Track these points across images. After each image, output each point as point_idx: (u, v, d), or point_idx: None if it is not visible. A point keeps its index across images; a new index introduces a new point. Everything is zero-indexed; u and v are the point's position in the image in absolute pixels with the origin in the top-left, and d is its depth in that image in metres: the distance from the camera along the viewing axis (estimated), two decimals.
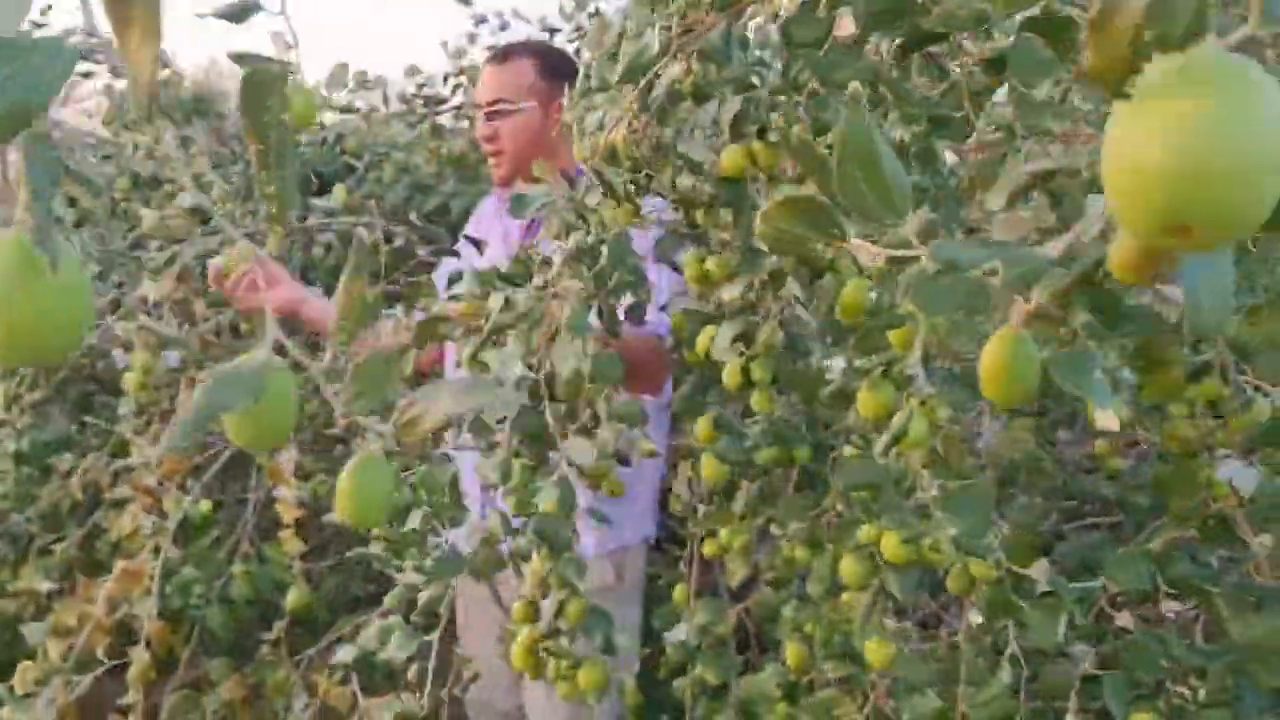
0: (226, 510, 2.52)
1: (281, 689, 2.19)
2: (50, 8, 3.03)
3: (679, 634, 1.99)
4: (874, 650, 1.36)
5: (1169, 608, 1.42)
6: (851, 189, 0.44)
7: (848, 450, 1.51)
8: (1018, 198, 1.25)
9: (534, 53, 2.29)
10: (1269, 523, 1.21)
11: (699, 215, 1.51)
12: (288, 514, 2.20)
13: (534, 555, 1.54)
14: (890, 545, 1.27)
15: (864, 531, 1.31)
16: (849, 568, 1.35)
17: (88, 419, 2.47)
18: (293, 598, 2.22)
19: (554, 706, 2.12)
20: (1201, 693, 1.28)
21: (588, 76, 1.46)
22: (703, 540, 2.00)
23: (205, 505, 2.21)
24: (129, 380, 2.27)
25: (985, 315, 0.64)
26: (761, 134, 1.35)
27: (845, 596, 1.64)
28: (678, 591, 2.11)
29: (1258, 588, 1.29)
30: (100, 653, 1.96)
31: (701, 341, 1.60)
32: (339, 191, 3.12)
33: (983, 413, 1.60)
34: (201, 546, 2.36)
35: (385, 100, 3.55)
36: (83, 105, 3.73)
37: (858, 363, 1.38)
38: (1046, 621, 1.28)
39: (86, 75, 3.36)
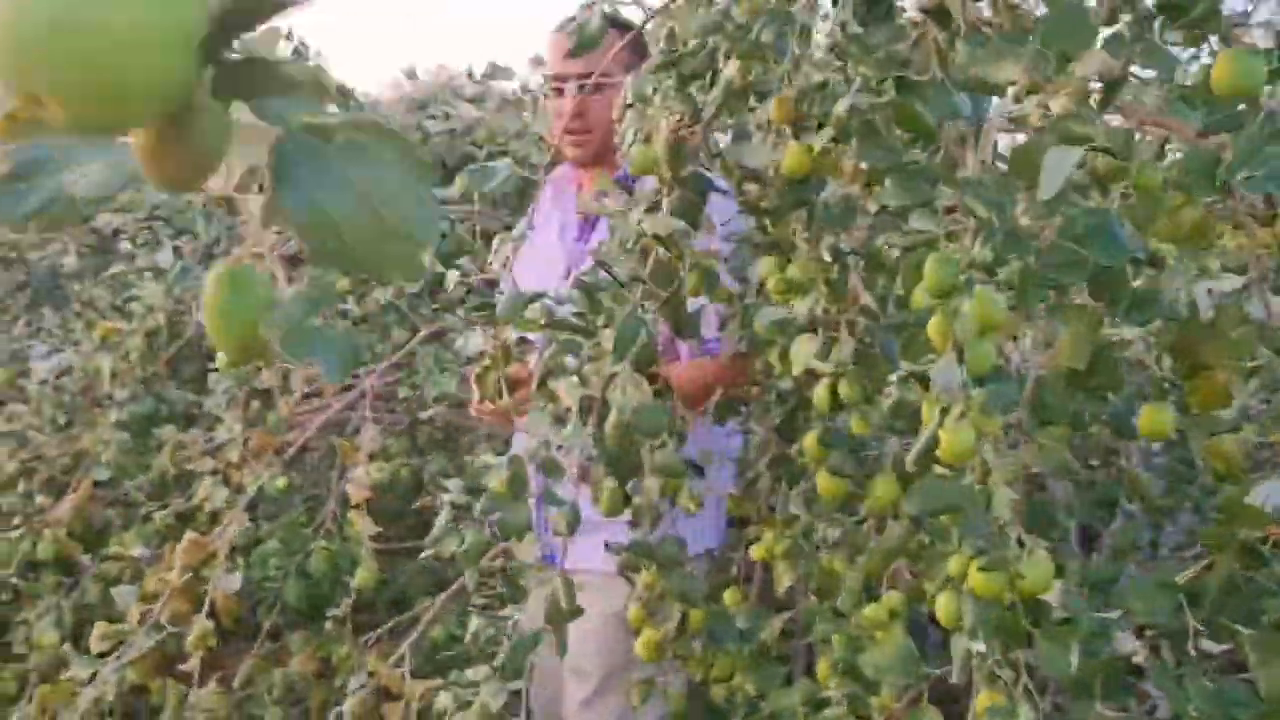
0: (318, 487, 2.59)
1: (345, 665, 2.23)
2: None
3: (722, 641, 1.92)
4: None
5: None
6: None
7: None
8: None
9: (619, 26, 1.99)
10: None
11: (768, 222, 1.45)
12: (356, 494, 2.24)
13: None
14: (979, 579, 1.12)
15: (953, 564, 1.18)
16: (943, 606, 1.22)
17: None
18: (361, 576, 2.25)
19: (601, 706, 2.07)
20: None
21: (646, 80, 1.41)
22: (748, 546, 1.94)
23: (282, 481, 2.27)
24: (221, 358, 2.35)
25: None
26: (821, 129, 1.26)
27: (867, 612, 1.54)
28: (728, 595, 2.04)
29: None
30: (165, 620, 2.03)
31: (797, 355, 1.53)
32: (459, 181, 3.17)
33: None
34: (286, 521, 2.43)
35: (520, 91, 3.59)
36: None
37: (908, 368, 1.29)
38: (1056, 653, 1.15)
39: None
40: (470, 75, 3.38)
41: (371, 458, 2.34)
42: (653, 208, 1.46)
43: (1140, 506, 1.99)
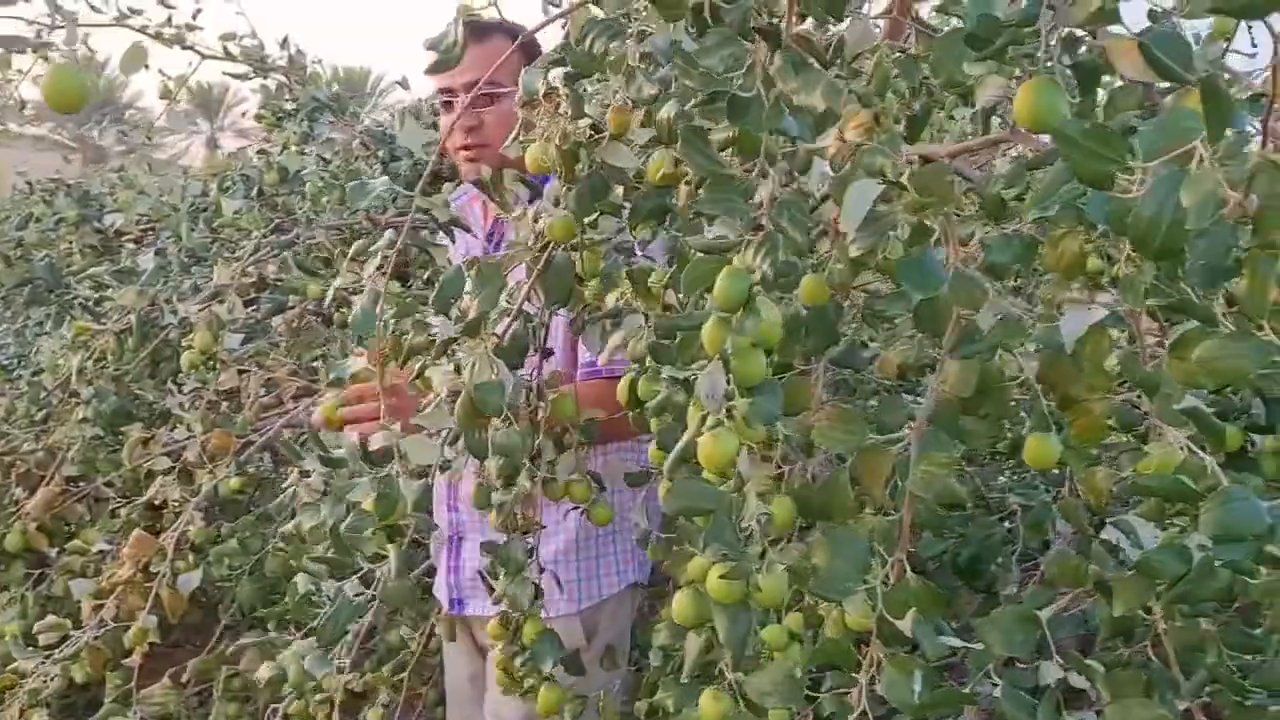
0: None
1: None
2: (200, 11, 3.20)
3: (651, 657, 1.93)
4: (708, 704, 1.26)
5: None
6: None
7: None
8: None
9: (510, 32, 1.95)
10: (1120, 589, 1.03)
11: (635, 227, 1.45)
12: (309, 495, 2.26)
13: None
14: (713, 581, 1.15)
15: (693, 565, 1.20)
16: (680, 605, 1.24)
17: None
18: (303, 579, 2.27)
19: None
20: None
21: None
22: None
23: (235, 481, 2.30)
24: (184, 358, 2.39)
25: None
26: None
27: (766, 633, 1.54)
28: (664, 611, 2.04)
29: (1152, 669, 1.11)
30: (113, 615, 2.06)
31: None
32: (446, 189, 3.20)
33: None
34: (245, 521, 2.46)
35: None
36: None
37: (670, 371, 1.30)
38: (898, 680, 1.15)
39: (240, 76, 3.58)
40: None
41: None
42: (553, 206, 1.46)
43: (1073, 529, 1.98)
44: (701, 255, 1.01)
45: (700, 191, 1.00)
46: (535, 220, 1.40)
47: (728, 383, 1.02)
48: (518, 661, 1.49)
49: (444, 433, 1.37)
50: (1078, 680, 1.19)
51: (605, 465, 1.96)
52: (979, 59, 0.86)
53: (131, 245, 3.56)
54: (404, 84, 3.69)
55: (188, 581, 2.21)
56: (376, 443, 1.35)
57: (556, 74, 1.29)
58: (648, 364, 1.36)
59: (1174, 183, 0.66)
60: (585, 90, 1.35)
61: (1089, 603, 1.31)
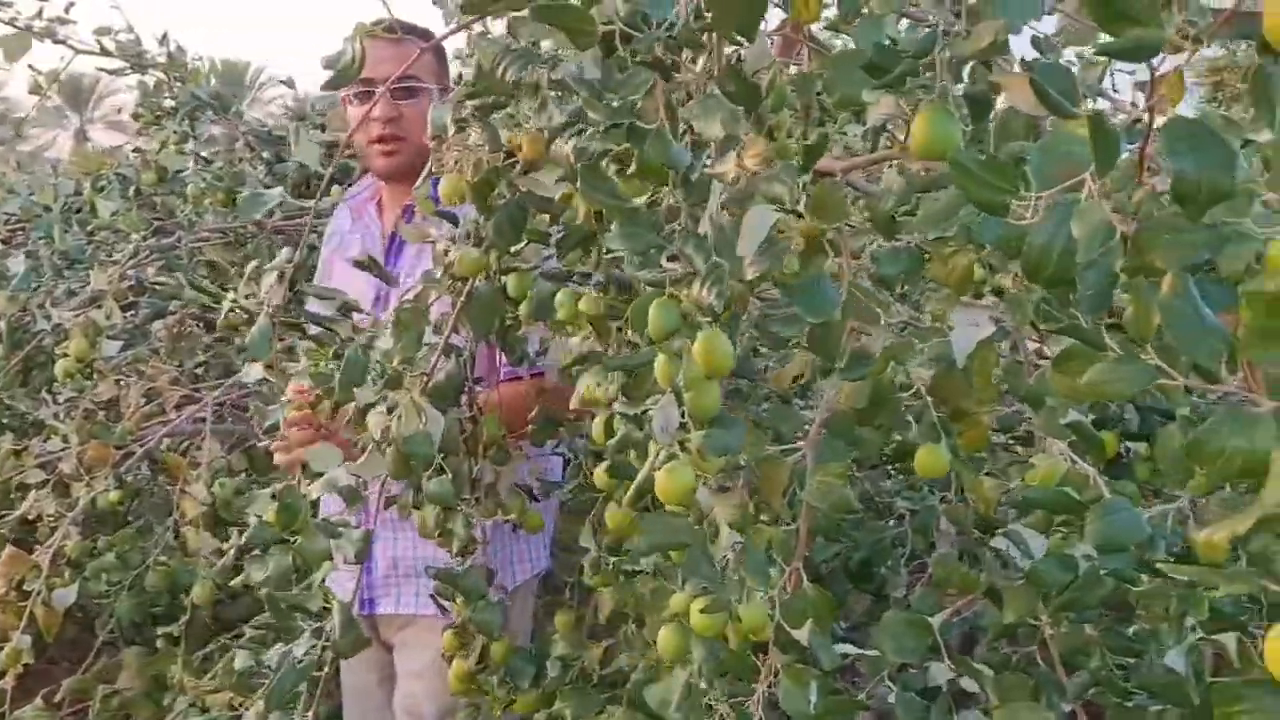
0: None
1: (176, 684, 2.19)
2: (73, 4, 3.08)
3: (548, 667, 1.92)
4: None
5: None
6: None
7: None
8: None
9: (425, 36, 1.94)
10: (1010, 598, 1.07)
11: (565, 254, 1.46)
12: (190, 509, 2.20)
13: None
14: (697, 615, 1.14)
15: (675, 600, 1.20)
16: (666, 640, 1.24)
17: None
18: (197, 591, 2.21)
19: None
20: None
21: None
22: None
23: (114, 495, 2.22)
24: (59, 366, 2.30)
25: None
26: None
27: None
28: (559, 619, 2.05)
29: (1038, 673, 1.15)
30: None
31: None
32: (335, 192, 3.14)
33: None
34: (123, 535, 2.38)
35: None
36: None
37: (620, 407, 1.31)
38: (794, 691, 1.17)
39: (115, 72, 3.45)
40: None
41: (215, 473, 2.31)
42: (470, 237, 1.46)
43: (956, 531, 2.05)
44: (650, 289, 1.02)
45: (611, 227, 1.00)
46: (445, 254, 1.39)
47: (681, 415, 1.02)
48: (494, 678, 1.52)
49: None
50: (967, 683, 1.23)
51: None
52: (877, 87, 0.88)
53: (0, 246, 3.41)
54: (289, 83, 3.61)
55: (63, 598, 2.13)
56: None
57: (468, 106, 1.29)
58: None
59: (1065, 214, 0.69)
60: (497, 120, 1.34)
61: (974, 606, 1.34)
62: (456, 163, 1.40)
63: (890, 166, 1.76)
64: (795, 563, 1.34)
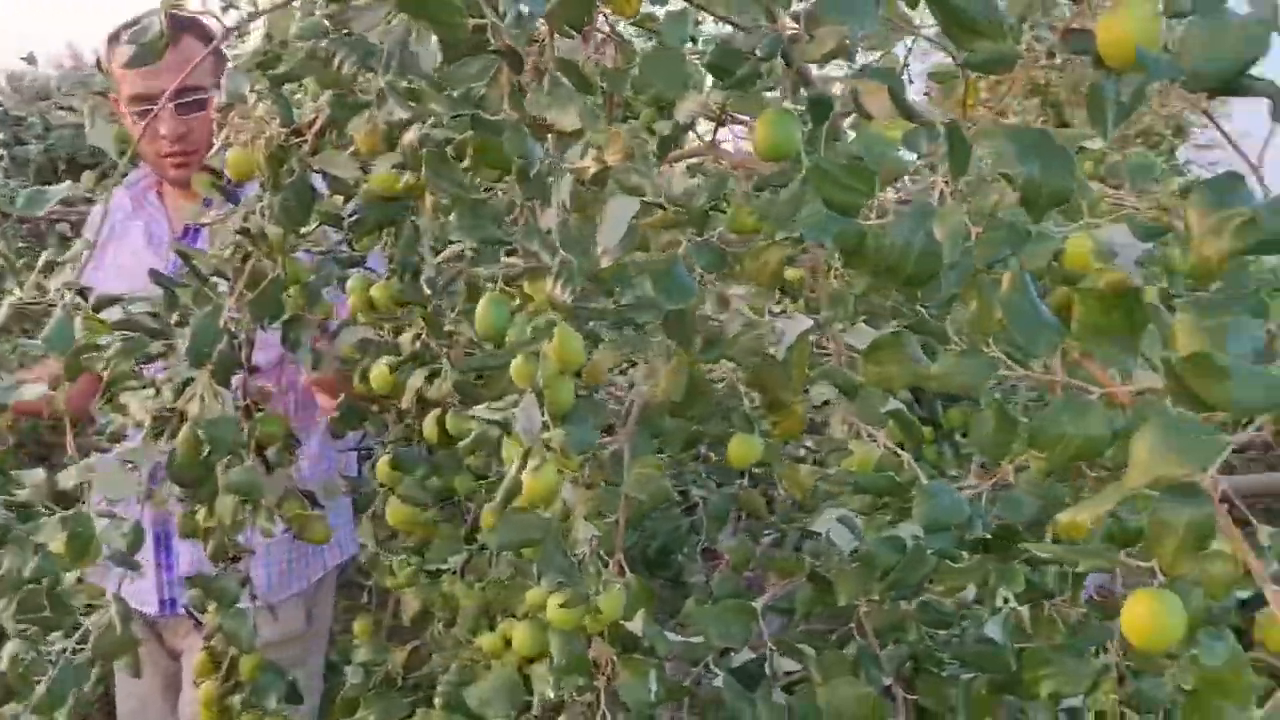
0: None
1: None
2: None
3: (350, 673, 1.87)
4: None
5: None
6: None
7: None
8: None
9: (201, 31, 1.88)
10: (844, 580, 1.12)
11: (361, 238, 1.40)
12: None
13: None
14: (555, 609, 1.14)
15: (530, 596, 1.18)
16: (522, 636, 1.24)
17: None
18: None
19: None
20: None
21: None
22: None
23: None
24: None
25: None
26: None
27: (480, 640, 1.53)
28: (358, 625, 1.99)
29: (859, 650, 1.21)
30: None
31: (378, 376, 1.49)
32: (86, 178, 2.92)
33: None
34: None
35: None
36: None
37: (481, 411, 1.28)
38: (634, 681, 1.18)
39: None
40: (100, 64, 3.10)
41: None
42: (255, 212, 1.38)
43: (748, 521, 2.13)
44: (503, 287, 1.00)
45: (452, 217, 0.98)
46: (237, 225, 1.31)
47: (542, 414, 1.01)
48: (235, 699, 1.39)
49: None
50: (788, 663, 1.28)
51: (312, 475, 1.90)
52: (724, 88, 0.90)
53: None
54: (30, 60, 3.32)
55: None
56: (68, 479, 1.22)
57: (259, 77, 1.22)
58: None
59: (921, 215, 0.73)
60: (289, 93, 1.28)
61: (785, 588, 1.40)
62: (246, 135, 1.33)
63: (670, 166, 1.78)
64: (617, 554, 1.36)
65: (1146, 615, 0.63)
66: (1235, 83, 0.62)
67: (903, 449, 1.15)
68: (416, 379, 1.47)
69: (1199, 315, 0.68)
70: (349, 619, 2.10)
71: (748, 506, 1.99)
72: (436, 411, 1.40)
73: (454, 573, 1.70)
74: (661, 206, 0.95)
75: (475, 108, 0.95)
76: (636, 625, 1.22)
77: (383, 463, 1.48)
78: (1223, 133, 0.70)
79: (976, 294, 0.77)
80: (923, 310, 0.94)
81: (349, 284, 1.47)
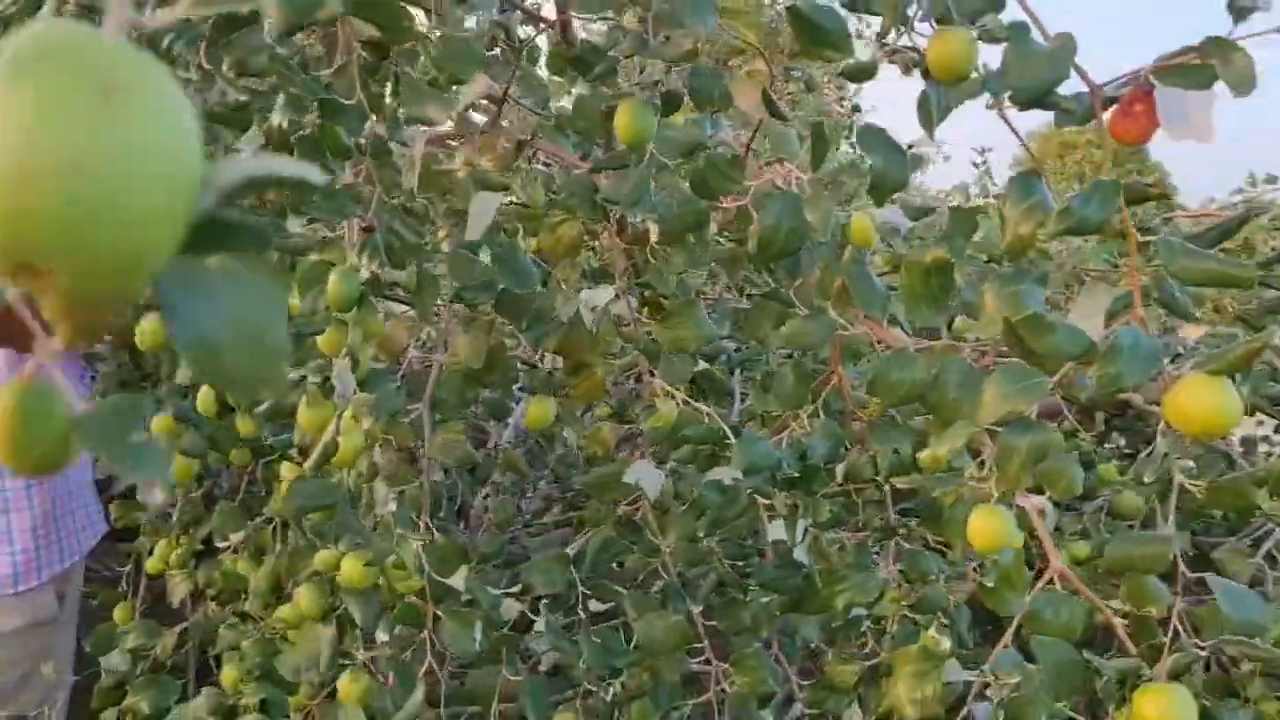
0: None
1: None
2: None
3: (114, 660, 1.80)
4: (346, 686, 1.27)
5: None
6: None
7: (286, 467, 1.40)
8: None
9: None
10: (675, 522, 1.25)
11: None
12: None
13: None
14: (352, 570, 1.18)
15: (321, 557, 1.20)
16: (306, 598, 1.24)
17: None
18: None
19: None
20: (613, 690, 1.32)
21: None
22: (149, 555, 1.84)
23: None
24: None
25: None
26: None
27: (280, 612, 1.54)
28: (119, 611, 1.92)
29: (665, 586, 1.34)
30: None
31: (147, 331, 1.46)
32: None
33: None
34: None
35: None
36: None
37: (292, 374, 1.29)
38: (461, 633, 1.26)
39: None
40: None
41: None
42: None
43: (511, 479, 2.23)
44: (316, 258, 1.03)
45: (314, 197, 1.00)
46: None
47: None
48: None
49: None
50: (598, 605, 1.40)
51: None
52: (588, 80, 0.99)
53: None
54: None
55: None
56: None
57: None
58: None
59: (788, 201, 0.85)
60: None
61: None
62: None
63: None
64: (425, 515, 1.42)
65: (988, 526, 0.80)
66: (1046, 99, 0.78)
67: (705, 405, 1.28)
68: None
69: (1001, 285, 0.86)
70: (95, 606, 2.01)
71: (509, 466, 2.08)
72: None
73: (234, 551, 1.69)
74: (525, 205, 1.03)
75: (327, 94, 0.99)
76: (458, 580, 1.29)
77: (161, 419, 1.45)
78: (1016, 134, 0.87)
79: (821, 266, 0.91)
80: (771, 281, 1.08)
81: None
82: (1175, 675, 0.79)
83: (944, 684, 0.88)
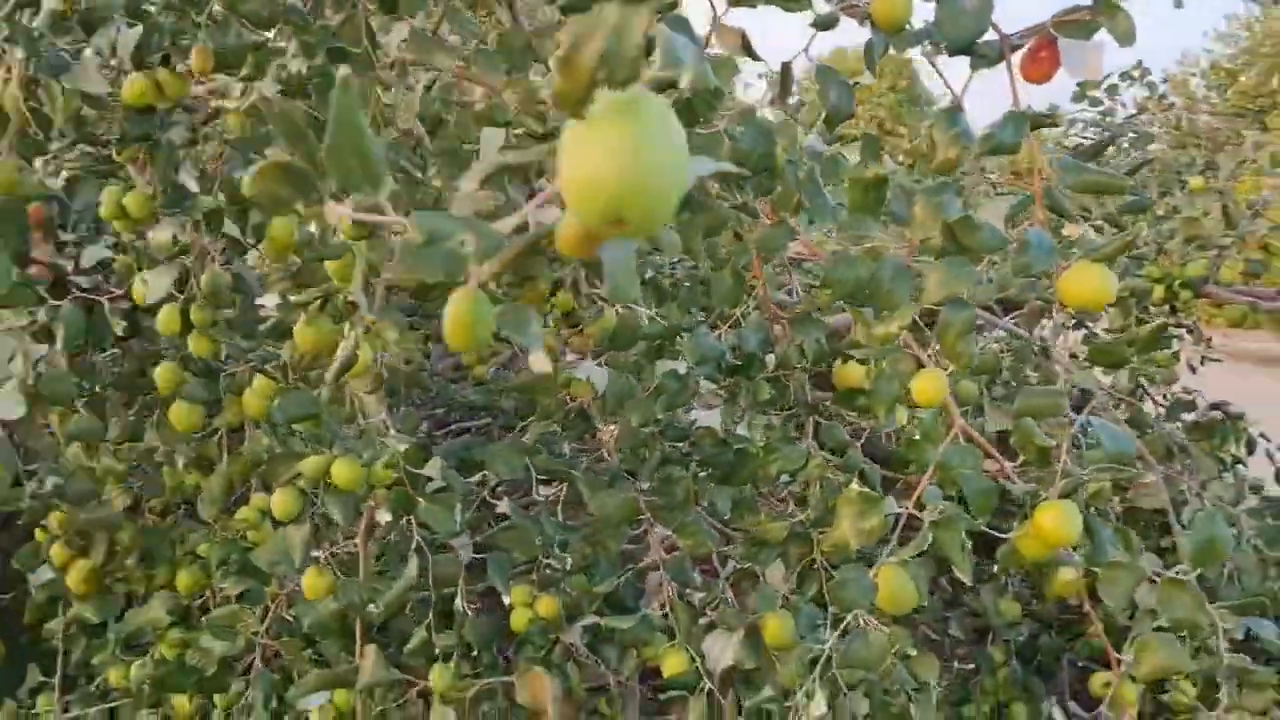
0: None
1: None
2: None
3: (46, 574, 1.86)
4: (312, 581, 1.40)
5: (542, 492, 1.62)
6: (338, 160, 0.50)
7: (259, 381, 1.50)
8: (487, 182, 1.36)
9: None
10: (614, 414, 1.44)
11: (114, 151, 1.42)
12: None
13: None
14: (343, 472, 1.31)
15: (309, 463, 1.33)
16: (282, 502, 1.38)
17: None
18: None
19: None
20: (568, 562, 1.51)
21: None
22: None
23: None
24: None
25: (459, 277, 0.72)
26: (166, 62, 1.31)
27: (241, 513, 1.65)
28: (52, 519, 1.97)
29: (607, 470, 1.54)
30: None
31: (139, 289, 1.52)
32: None
33: None
34: None
35: None
36: None
37: (294, 297, 1.40)
38: (443, 514, 1.41)
39: None
40: None
41: None
42: None
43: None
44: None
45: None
46: None
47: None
48: None
49: None
50: (547, 490, 1.58)
51: None
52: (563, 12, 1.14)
53: None
54: None
55: None
56: None
57: None
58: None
59: (762, 126, 1.04)
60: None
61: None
62: None
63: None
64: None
65: (929, 385, 1.02)
66: (970, 47, 0.99)
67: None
68: (164, 279, 1.53)
69: (928, 196, 1.07)
70: None
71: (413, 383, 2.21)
72: (174, 304, 1.47)
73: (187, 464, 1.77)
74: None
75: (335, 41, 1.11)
76: (434, 470, 1.45)
77: (166, 368, 1.53)
78: (944, 80, 1.08)
79: (782, 180, 1.10)
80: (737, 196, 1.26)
81: (102, 194, 1.50)
82: (1065, 494, 1.04)
83: (885, 517, 1.11)
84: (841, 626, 1.18)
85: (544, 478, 1.56)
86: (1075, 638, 2.16)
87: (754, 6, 1.22)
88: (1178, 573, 1.12)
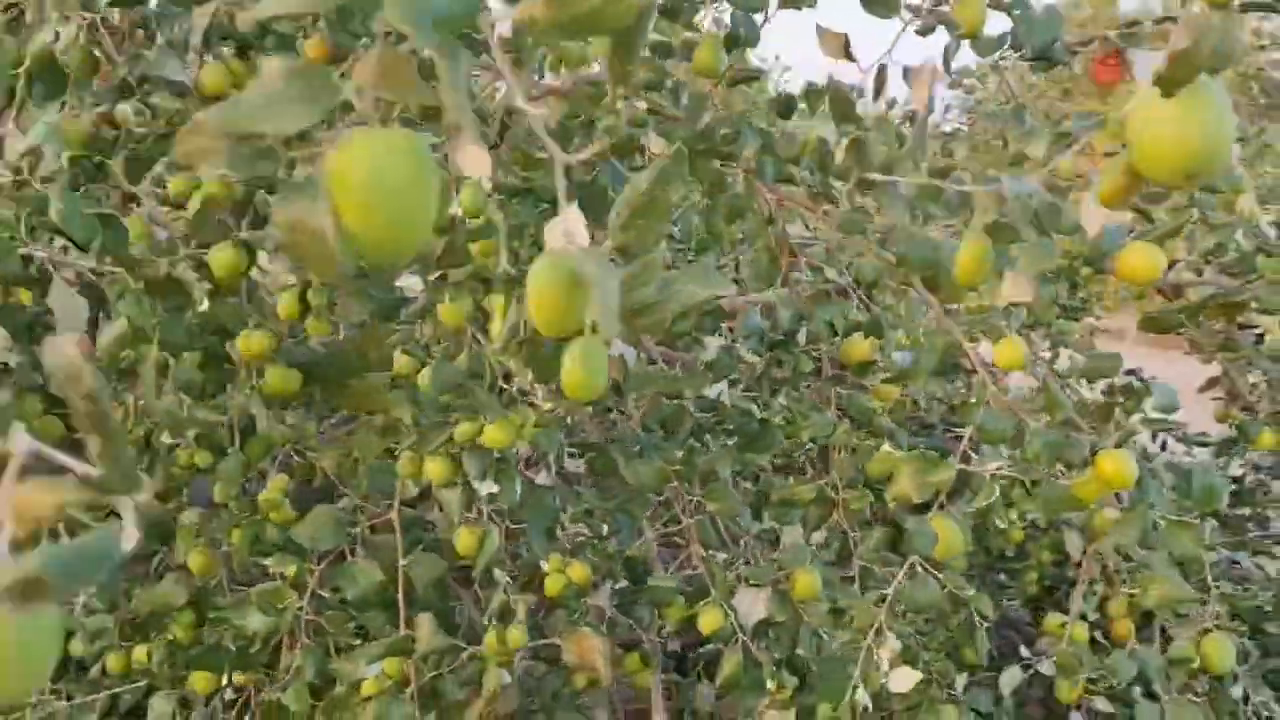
0: None
1: None
2: None
3: None
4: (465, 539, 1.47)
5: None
6: None
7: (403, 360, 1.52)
8: None
9: None
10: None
11: None
12: None
13: None
14: (496, 435, 1.37)
15: (461, 430, 1.37)
16: (436, 469, 1.43)
17: None
18: None
19: None
20: (605, 528, 1.60)
21: None
22: None
23: None
24: None
25: None
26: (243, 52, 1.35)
27: (264, 495, 1.66)
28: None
29: (637, 440, 1.62)
30: None
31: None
32: None
33: None
34: None
35: None
36: None
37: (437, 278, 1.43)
38: (547, 436, 1.46)
39: None
40: None
41: None
42: None
43: None
44: None
45: None
46: None
47: None
48: None
49: None
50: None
51: None
52: None
53: None
54: None
55: None
56: None
57: None
58: None
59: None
60: None
61: None
62: None
63: None
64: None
65: (1010, 353, 1.16)
66: (1048, 52, 1.12)
67: None
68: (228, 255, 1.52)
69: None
70: None
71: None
72: (293, 289, 1.48)
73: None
74: None
75: None
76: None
77: (259, 336, 1.50)
78: (1007, 83, 1.21)
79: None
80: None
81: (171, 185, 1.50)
82: (1119, 444, 1.19)
83: (952, 474, 1.24)
84: (904, 570, 1.31)
85: (573, 450, 1.64)
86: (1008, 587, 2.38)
87: (799, 9, 1.34)
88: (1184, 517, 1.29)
